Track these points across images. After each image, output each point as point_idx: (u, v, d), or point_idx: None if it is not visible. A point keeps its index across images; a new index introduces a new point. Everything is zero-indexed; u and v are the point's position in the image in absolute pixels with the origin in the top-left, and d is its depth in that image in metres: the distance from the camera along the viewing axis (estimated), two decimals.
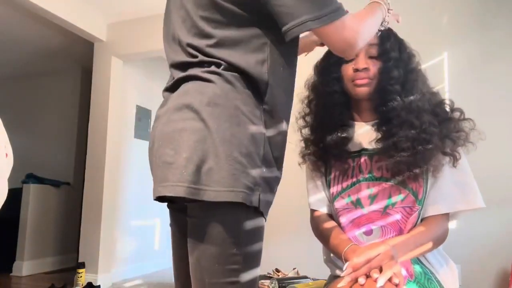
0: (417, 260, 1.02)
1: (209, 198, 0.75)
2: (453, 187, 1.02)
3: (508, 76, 2.34)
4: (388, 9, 1.00)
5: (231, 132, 0.77)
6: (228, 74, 0.81)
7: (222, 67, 0.82)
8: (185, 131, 0.79)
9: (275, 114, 0.85)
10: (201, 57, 0.84)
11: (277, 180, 0.87)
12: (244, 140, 0.78)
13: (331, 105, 1.11)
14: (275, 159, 0.85)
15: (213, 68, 0.82)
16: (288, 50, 0.88)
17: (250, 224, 0.80)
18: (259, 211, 0.81)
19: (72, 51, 4.15)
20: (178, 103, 0.83)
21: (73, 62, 4.45)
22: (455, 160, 1.02)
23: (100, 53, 3.57)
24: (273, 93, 0.84)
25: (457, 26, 2.49)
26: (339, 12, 0.81)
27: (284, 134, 0.88)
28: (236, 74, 0.82)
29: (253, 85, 0.83)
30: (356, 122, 1.13)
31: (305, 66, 1.25)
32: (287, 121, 0.90)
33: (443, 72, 2.47)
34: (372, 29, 0.92)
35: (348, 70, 1.08)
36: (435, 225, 1.01)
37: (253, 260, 0.81)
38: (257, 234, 0.82)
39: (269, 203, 0.85)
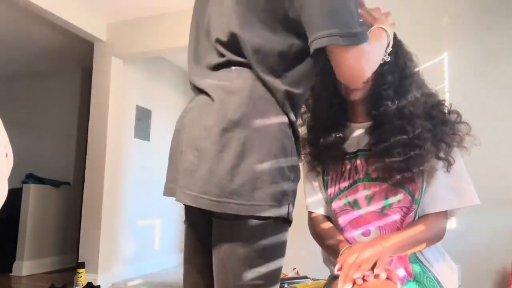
0: (415, 259, 1.02)
1: (232, 211, 0.76)
2: (448, 187, 1.02)
3: (508, 75, 2.34)
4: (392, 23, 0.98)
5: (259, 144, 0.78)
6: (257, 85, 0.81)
7: (250, 78, 0.82)
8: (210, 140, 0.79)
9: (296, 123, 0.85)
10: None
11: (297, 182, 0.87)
12: (273, 150, 0.78)
13: (327, 105, 1.11)
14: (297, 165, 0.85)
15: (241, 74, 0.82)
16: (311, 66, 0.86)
17: (276, 231, 0.80)
18: (287, 221, 0.81)
19: (72, 51, 4.15)
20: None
21: (73, 62, 4.45)
22: (449, 165, 1.01)
23: (100, 53, 3.57)
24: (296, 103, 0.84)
25: (457, 26, 2.49)
26: (364, 36, 0.77)
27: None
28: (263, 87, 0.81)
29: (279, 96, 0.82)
30: (352, 123, 1.13)
31: None
32: None
33: (443, 72, 2.47)
34: (379, 58, 0.90)
35: None
36: (431, 223, 1.01)
37: (278, 263, 0.81)
38: (282, 243, 0.82)
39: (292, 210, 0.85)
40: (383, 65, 1.03)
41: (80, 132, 4.42)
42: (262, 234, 0.78)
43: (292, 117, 0.83)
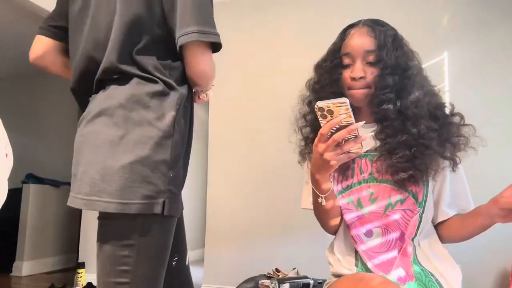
0: (417, 262, 1.02)
1: (100, 209, 0.80)
2: (455, 192, 1.05)
3: (508, 74, 2.34)
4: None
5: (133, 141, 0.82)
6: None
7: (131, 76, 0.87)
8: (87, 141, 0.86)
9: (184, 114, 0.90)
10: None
11: (184, 178, 0.91)
12: (147, 150, 0.81)
13: None
14: (183, 157, 0.89)
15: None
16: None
17: (149, 230, 0.81)
18: (163, 216, 0.82)
19: None
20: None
21: None
22: (455, 164, 1.02)
23: None
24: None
25: (457, 26, 2.49)
26: (218, 40, 0.86)
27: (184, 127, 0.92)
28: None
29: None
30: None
31: (308, 66, 1.25)
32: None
33: (443, 72, 2.47)
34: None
35: (346, 77, 1.07)
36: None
37: (147, 262, 0.82)
38: (155, 238, 0.83)
39: (177, 205, 0.87)
40: (383, 68, 1.03)
41: None
42: (131, 233, 0.80)
43: (172, 114, 0.85)
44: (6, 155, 0.96)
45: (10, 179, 0.99)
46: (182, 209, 0.98)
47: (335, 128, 0.84)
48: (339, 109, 0.82)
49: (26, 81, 4.84)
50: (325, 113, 0.83)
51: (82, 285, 3.05)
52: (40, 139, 4.62)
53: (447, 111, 1.07)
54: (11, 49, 4.11)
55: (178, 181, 0.86)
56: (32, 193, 3.83)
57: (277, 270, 2.36)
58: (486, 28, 2.41)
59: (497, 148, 2.23)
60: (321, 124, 0.85)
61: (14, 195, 2.61)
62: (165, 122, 0.83)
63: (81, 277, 3.11)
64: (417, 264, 1.02)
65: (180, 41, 0.83)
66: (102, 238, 0.83)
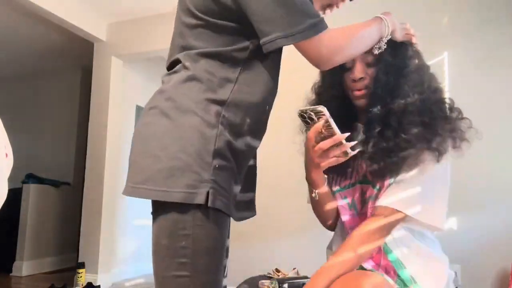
0: (401, 265, 0.99)
1: (142, 196, 0.80)
2: (418, 194, 0.97)
3: (508, 74, 2.34)
4: (403, 27, 1.04)
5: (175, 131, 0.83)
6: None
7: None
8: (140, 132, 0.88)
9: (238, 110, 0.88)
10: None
11: (232, 172, 0.86)
12: (192, 139, 0.81)
13: (336, 107, 1.10)
14: (233, 151, 0.86)
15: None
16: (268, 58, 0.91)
17: (202, 222, 0.80)
18: (212, 208, 0.81)
19: (72, 51, 4.14)
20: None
21: (73, 62, 4.45)
22: (440, 154, 0.96)
23: (100, 53, 3.57)
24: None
25: (457, 26, 2.49)
26: (314, 29, 0.83)
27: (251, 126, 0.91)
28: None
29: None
30: (360, 124, 1.12)
31: (311, 69, 1.25)
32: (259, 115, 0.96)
33: (443, 72, 2.47)
34: (358, 46, 0.93)
35: (347, 79, 1.07)
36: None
37: (206, 254, 0.81)
38: (208, 229, 0.81)
39: (226, 201, 0.84)
40: (380, 68, 1.02)
41: (80, 132, 4.42)
42: (184, 223, 0.79)
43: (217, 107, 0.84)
44: (6, 155, 0.96)
45: (10, 179, 0.99)
46: (250, 216, 1.02)
47: (322, 135, 0.89)
48: (317, 116, 0.88)
49: (26, 81, 4.84)
50: (306, 119, 0.90)
51: (82, 285, 3.05)
52: (40, 139, 4.62)
53: (446, 106, 1.06)
54: (11, 49, 4.12)
55: (225, 174, 0.84)
56: (32, 193, 3.83)
57: (277, 270, 2.36)
58: (486, 28, 2.41)
59: (497, 148, 2.22)
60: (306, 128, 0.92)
61: (14, 195, 2.62)
62: (210, 112, 0.84)
63: (81, 277, 3.11)
64: (400, 267, 0.99)
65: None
66: (158, 232, 0.82)
